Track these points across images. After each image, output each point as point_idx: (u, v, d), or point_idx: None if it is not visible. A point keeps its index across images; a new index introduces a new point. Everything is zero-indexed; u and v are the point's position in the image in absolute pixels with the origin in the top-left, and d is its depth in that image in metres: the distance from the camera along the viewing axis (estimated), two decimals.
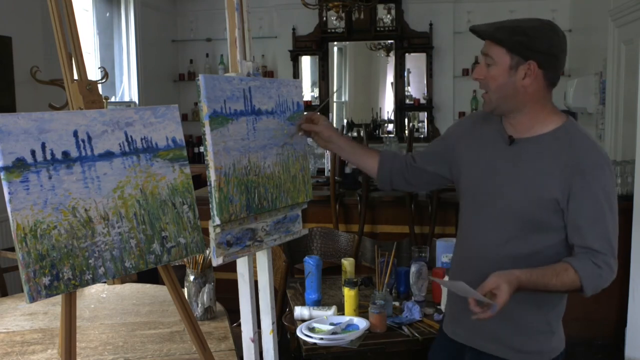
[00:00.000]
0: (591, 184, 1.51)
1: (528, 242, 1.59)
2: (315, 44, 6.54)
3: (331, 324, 2.19)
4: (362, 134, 4.68)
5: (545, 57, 1.52)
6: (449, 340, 1.79)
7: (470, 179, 1.72)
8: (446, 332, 1.80)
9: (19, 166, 1.24)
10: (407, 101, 6.64)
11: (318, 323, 2.19)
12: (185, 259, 2.01)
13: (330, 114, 6.70)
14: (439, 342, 1.89)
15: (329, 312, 2.31)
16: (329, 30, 6.44)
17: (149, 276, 2.17)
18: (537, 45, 1.51)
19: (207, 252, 2.07)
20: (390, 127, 6.76)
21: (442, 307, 2.34)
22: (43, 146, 1.29)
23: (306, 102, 6.60)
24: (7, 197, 1.23)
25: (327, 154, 4.87)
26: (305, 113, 1.77)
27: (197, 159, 6.39)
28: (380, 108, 6.97)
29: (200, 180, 5.10)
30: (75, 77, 1.50)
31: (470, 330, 1.70)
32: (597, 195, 1.52)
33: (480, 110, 1.80)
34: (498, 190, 1.62)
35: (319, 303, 2.48)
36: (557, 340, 1.67)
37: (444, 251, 2.63)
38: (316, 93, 6.75)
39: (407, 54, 6.53)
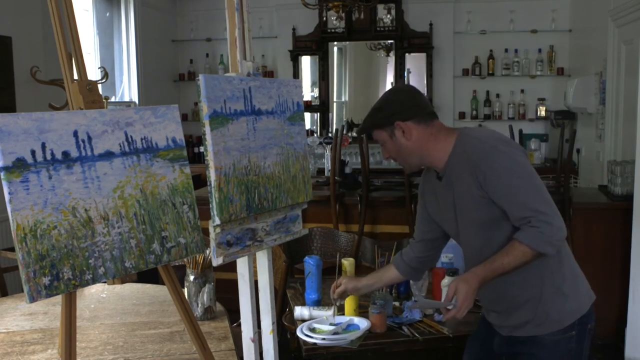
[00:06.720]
0: (491, 172, 1.71)
1: (502, 234, 1.78)
2: (315, 44, 6.53)
3: (332, 324, 2.19)
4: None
5: (401, 112, 1.81)
6: (485, 322, 2.00)
7: (438, 220, 1.98)
8: (485, 317, 2.00)
9: (19, 166, 1.24)
10: None
11: (318, 323, 2.19)
12: (185, 259, 2.00)
13: (330, 114, 6.70)
14: (479, 324, 2.08)
15: (329, 312, 2.30)
16: (329, 30, 6.43)
17: (149, 276, 2.17)
18: (390, 111, 1.82)
19: (207, 252, 2.07)
20: None
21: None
22: (43, 146, 1.29)
23: (306, 102, 6.59)
24: (7, 197, 1.23)
25: (327, 154, 4.87)
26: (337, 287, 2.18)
27: (197, 159, 6.38)
28: None
29: (200, 180, 5.09)
30: (75, 77, 1.50)
31: (497, 319, 1.91)
32: (499, 176, 1.71)
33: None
34: (453, 217, 1.87)
35: (319, 303, 2.48)
36: (572, 302, 1.80)
37: (444, 251, 2.62)
38: (316, 93, 6.73)
39: (407, 54, 6.51)
